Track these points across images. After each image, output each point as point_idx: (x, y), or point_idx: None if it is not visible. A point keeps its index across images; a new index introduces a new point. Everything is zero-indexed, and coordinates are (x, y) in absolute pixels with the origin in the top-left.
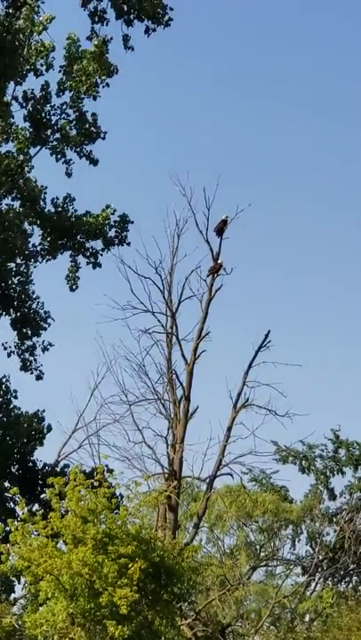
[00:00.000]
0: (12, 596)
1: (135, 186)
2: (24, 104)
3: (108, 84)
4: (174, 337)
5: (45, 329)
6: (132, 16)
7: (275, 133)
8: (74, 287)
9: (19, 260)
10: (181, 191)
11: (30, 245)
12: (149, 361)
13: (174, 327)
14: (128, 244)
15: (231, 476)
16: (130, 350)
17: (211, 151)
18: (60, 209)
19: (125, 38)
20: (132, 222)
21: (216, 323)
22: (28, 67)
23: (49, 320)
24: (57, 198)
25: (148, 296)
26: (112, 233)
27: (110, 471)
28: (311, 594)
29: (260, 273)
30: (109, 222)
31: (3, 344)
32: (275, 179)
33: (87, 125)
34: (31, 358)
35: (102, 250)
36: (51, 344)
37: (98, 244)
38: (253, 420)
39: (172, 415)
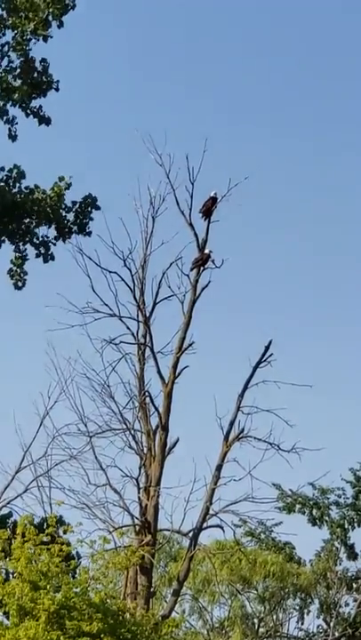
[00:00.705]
0: None
1: (98, 152)
2: None
3: (62, 23)
4: (148, 349)
5: None
6: None
7: (277, 84)
8: (19, 284)
9: None
10: (157, 159)
11: None
12: (116, 380)
13: (148, 336)
14: (89, 233)
15: (222, 528)
16: (90, 366)
17: (195, 108)
18: (0, 183)
19: None
20: (99, 208)
21: (202, 330)
22: None
23: None
24: None
25: (113, 296)
26: (70, 217)
27: (62, 523)
28: None
29: (259, 266)
30: (66, 202)
31: None
32: (279, 145)
33: (35, 74)
34: None
35: (56, 238)
36: None
37: (51, 232)
38: (250, 457)
39: (145, 450)
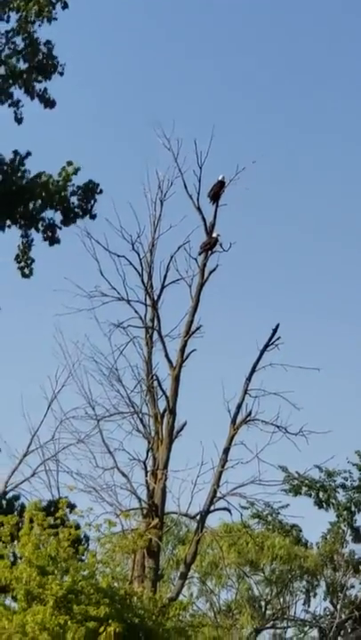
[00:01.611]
0: None
1: (105, 137)
2: None
3: (66, 4)
4: (156, 332)
5: None
6: None
7: (284, 72)
8: (26, 271)
9: None
10: (165, 144)
11: None
12: (124, 364)
13: (156, 320)
14: (94, 216)
15: (229, 511)
16: (98, 350)
17: (203, 94)
18: (5, 167)
19: None
20: (101, 192)
21: (210, 314)
22: None
23: None
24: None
25: (122, 280)
26: (74, 200)
27: (72, 507)
28: None
29: (266, 250)
30: (72, 186)
31: None
32: (286, 130)
33: (40, 56)
34: None
35: (62, 222)
36: None
37: (57, 216)
38: (258, 440)
39: (153, 434)
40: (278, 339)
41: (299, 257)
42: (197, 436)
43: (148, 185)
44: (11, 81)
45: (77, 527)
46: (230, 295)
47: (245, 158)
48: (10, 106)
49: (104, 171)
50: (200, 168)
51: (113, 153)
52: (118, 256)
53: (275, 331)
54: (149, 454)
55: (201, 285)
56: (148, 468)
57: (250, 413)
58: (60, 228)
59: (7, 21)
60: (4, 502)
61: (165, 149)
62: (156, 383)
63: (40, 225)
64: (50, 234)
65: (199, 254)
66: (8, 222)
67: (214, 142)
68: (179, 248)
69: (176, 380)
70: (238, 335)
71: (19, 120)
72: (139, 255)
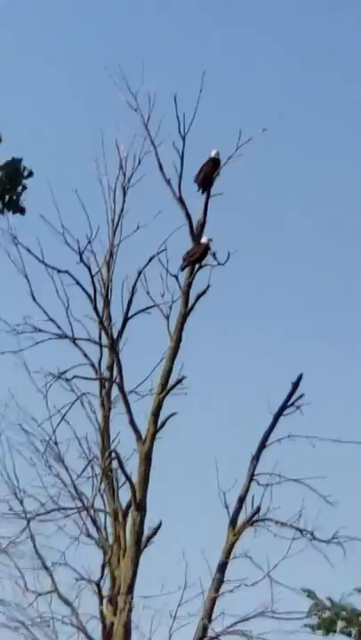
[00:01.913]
0: None
1: (36, 90)
2: None
3: None
4: (116, 387)
5: None
6: None
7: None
8: None
9: None
10: (130, 102)
11: None
12: (66, 434)
13: (116, 368)
14: (21, 210)
15: None
16: (29, 414)
17: (188, 28)
18: None
19: None
20: (31, 175)
21: (198, 358)
22: None
23: None
24: None
25: (64, 307)
26: None
27: None
28: None
29: (282, 261)
30: None
31: None
32: (305, 83)
33: None
34: None
35: None
36: None
37: None
38: (270, 550)
39: (111, 540)
40: (301, 397)
41: (327, 270)
42: (178, 543)
43: (105, 165)
44: None
45: None
46: (227, 328)
47: (252, 124)
48: None
49: (36, 144)
50: (183, 139)
51: (49, 114)
52: (59, 271)
53: (296, 384)
54: (105, 572)
55: (184, 316)
56: (105, 593)
57: (258, 510)
58: None
59: None
60: None
61: (131, 110)
62: (115, 464)
63: None
64: None
65: (182, 269)
66: None
67: (205, 99)
68: (150, 260)
69: (146, 459)
70: (239, 389)
71: None
72: (90, 270)
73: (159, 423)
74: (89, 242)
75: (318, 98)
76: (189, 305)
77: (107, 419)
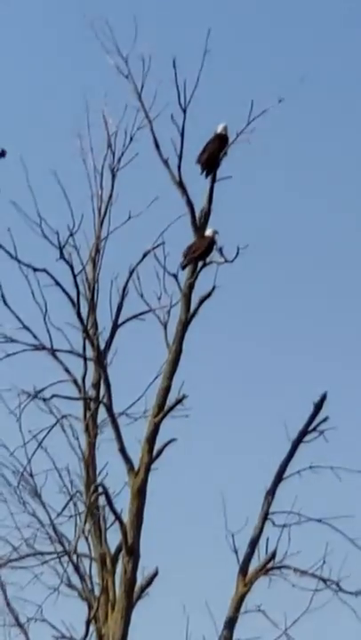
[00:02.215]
0: None
1: (7, 51)
2: None
3: None
4: (103, 408)
5: None
6: None
7: None
8: None
9: None
10: (120, 66)
11: None
12: (44, 465)
13: (103, 386)
14: None
15: None
16: None
17: None
18: None
19: None
20: (3, 154)
21: (200, 372)
22: None
23: None
24: None
25: (41, 313)
26: None
27: None
28: None
29: (297, 256)
30: None
31: None
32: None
33: None
34: None
35: None
36: None
37: None
38: (287, 602)
39: (97, 592)
40: (325, 420)
41: (357, 268)
42: (178, 595)
43: (90, 142)
44: None
45: None
46: (236, 338)
47: (266, 93)
48: None
49: (6, 116)
50: (183, 111)
51: (21, 80)
52: (35, 270)
53: (319, 405)
54: (91, 629)
55: (185, 323)
56: None
57: (273, 555)
58: None
59: None
60: None
61: (121, 76)
62: (102, 500)
63: None
64: None
65: (182, 267)
66: None
67: (210, 63)
68: (144, 256)
69: (139, 494)
70: (251, 411)
71: None
72: (72, 268)
73: (155, 451)
74: (71, 234)
75: (348, 58)
76: (191, 310)
77: (92, 446)
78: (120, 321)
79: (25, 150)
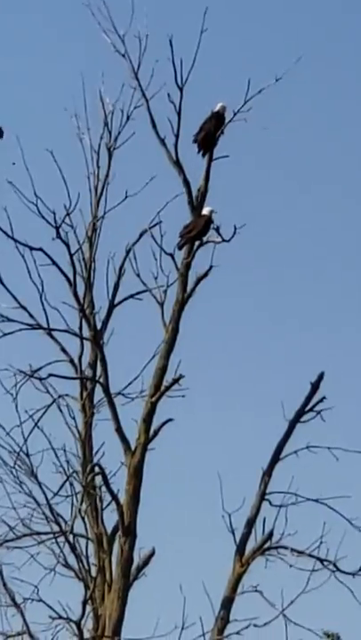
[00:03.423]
0: None
1: (3, 31)
2: None
3: None
4: (100, 388)
5: None
6: None
7: None
8: None
9: None
10: (117, 45)
11: None
12: (40, 444)
13: (99, 365)
14: None
15: None
16: None
17: None
18: None
19: None
20: (1, 134)
21: (197, 352)
22: None
23: None
24: None
25: (38, 292)
26: None
27: None
28: None
29: (295, 235)
30: None
31: None
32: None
33: None
34: None
35: None
36: None
37: None
38: (284, 582)
39: (94, 572)
40: (322, 400)
41: (356, 247)
42: (174, 575)
43: (86, 121)
44: None
45: None
46: (233, 317)
47: (264, 71)
48: None
49: (1, 95)
50: (180, 90)
51: (17, 59)
52: (31, 249)
53: (316, 385)
54: (87, 609)
55: (182, 302)
56: (86, 634)
57: (270, 536)
58: None
59: None
60: None
61: (117, 55)
62: (99, 480)
63: None
64: None
65: (179, 247)
66: None
67: (207, 41)
68: (141, 235)
69: (136, 474)
70: (247, 391)
71: None
72: (68, 247)
73: (152, 431)
74: (67, 214)
75: (346, 36)
76: (188, 289)
77: (88, 426)
78: (117, 300)
79: (21, 130)
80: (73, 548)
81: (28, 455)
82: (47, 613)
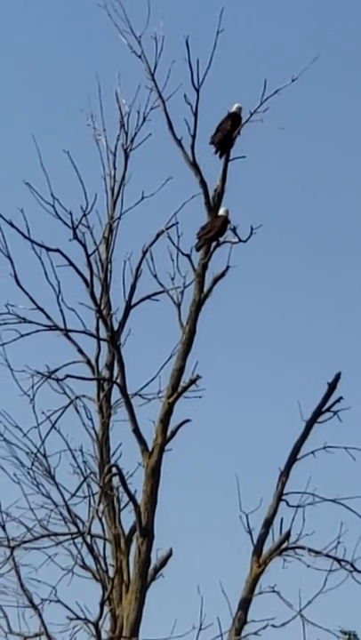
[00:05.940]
0: None
1: (23, 32)
2: None
3: None
4: (117, 389)
5: None
6: None
7: None
8: None
9: None
10: (133, 46)
11: None
12: (57, 445)
13: (117, 366)
14: None
15: None
16: (12, 420)
17: None
18: None
19: None
20: None
21: (214, 353)
22: None
23: None
24: None
25: (55, 293)
26: None
27: None
28: None
29: (311, 235)
30: None
31: None
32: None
33: None
34: None
35: None
36: None
37: None
38: (301, 583)
39: (111, 572)
40: (339, 400)
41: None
42: (192, 576)
43: (103, 122)
44: None
45: None
46: (250, 318)
47: (280, 72)
48: None
49: (20, 96)
50: (197, 91)
51: (35, 60)
52: (48, 250)
53: (333, 385)
54: (105, 610)
55: (199, 303)
56: (104, 635)
57: (287, 536)
58: None
59: None
60: None
61: (134, 56)
62: (116, 481)
63: None
64: None
65: (197, 249)
66: None
67: (223, 42)
68: (158, 236)
69: (153, 474)
70: (265, 391)
71: None
72: (85, 248)
73: (169, 432)
74: (84, 214)
75: None
76: (205, 290)
77: (106, 426)
78: (133, 301)
79: (38, 130)
80: (90, 549)
81: (45, 456)
82: (65, 614)
